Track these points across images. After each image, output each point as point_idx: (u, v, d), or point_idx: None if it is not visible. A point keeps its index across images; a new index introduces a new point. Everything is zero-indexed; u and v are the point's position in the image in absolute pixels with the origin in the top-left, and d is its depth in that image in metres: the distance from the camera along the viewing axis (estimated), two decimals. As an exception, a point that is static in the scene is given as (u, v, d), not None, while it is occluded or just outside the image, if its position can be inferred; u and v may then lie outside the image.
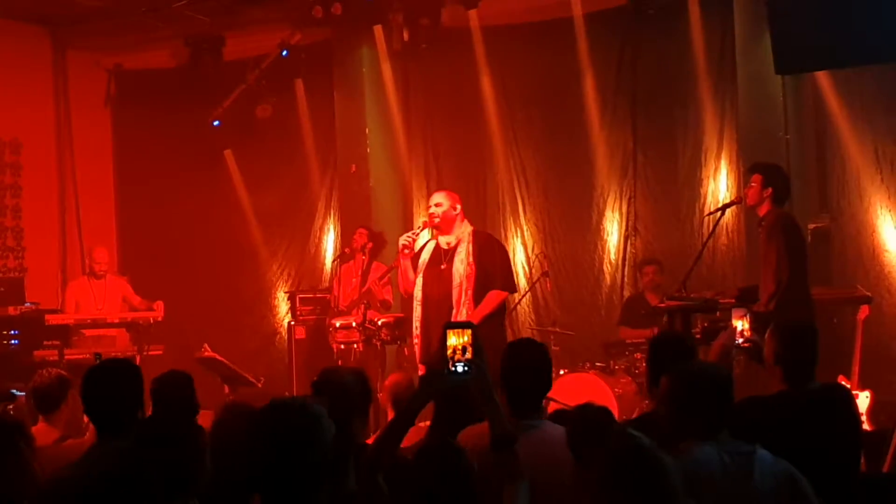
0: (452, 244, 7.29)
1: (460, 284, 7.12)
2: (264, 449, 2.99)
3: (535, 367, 4.22)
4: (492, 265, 7.21)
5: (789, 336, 4.67)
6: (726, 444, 3.75)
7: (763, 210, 7.06)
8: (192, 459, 3.38)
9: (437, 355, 3.54)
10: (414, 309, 7.44)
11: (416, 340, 7.39)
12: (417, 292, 7.32)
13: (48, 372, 5.33)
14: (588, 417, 3.91)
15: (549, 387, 4.28)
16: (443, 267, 7.24)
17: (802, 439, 4.14)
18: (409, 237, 7.43)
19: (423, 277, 7.30)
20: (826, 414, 4.46)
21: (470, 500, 3.25)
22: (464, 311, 7.06)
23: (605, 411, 4.09)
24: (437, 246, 7.39)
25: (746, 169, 7.51)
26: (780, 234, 6.89)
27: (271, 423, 3.02)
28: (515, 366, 4.20)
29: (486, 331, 6.76)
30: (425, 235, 7.70)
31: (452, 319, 6.94)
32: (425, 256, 7.40)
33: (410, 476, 3.28)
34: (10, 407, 5.34)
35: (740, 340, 5.34)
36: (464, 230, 7.33)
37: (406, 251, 7.37)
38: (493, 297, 7.16)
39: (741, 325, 5.38)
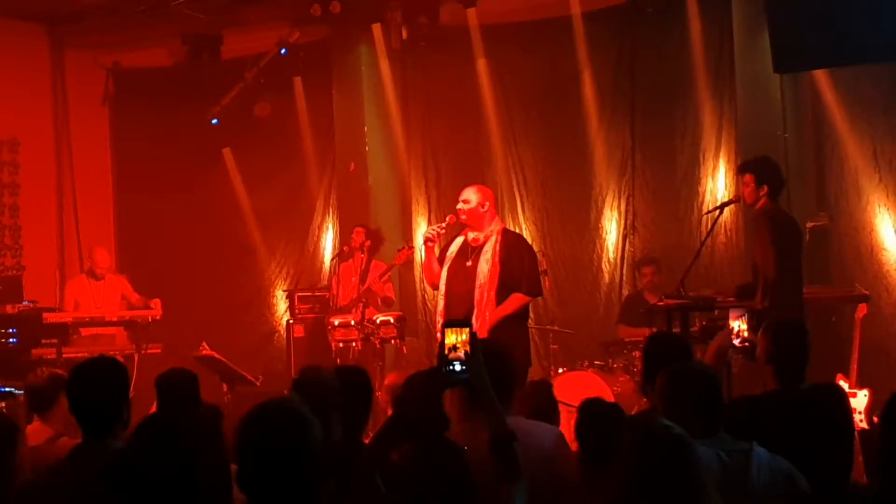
0: (480, 241, 7.17)
1: (483, 284, 7.02)
2: (249, 456, 2.98)
3: (499, 366, 4.24)
4: (517, 267, 7.09)
5: (780, 335, 4.67)
6: (723, 442, 3.77)
7: (759, 205, 7.07)
8: (192, 456, 3.36)
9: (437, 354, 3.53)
10: (437, 302, 7.39)
11: (438, 335, 7.32)
12: (441, 286, 7.22)
13: (41, 371, 5.33)
14: (597, 412, 3.92)
15: (516, 383, 4.27)
16: (468, 263, 7.13)
17: (793, 439, 4.14)
18: (433, 230, 7.37)
19: (448, 271, 7.20)
20: (817, 414, 4.45)
21: (467, 499, 3.25)
22: (485, 311, 6.97)
23: (614, 406, 4.10)
24: (466, 241, 7.29)
25: (737, 168, 7.49)
26: (767, 230, 6.88)
27: (254, 429, 3.01)
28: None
29: (507, 331, 6.76)
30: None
31: (473, 319, 6.88)
32: (453, 249, 7.29)
33: (407, 475, 3.27)
34: (2, 405, 5.33)
35: (737, 341, 5.34)
36: (493, 228, 7.21)
37: (430, 244, 7.31)
38: (515, 300, 7.03)
39: (738, 325, 5.37)
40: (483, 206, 7.20)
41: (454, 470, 3.27)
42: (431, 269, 7.34)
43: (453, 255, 7.25)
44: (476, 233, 7.19)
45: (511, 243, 7.20)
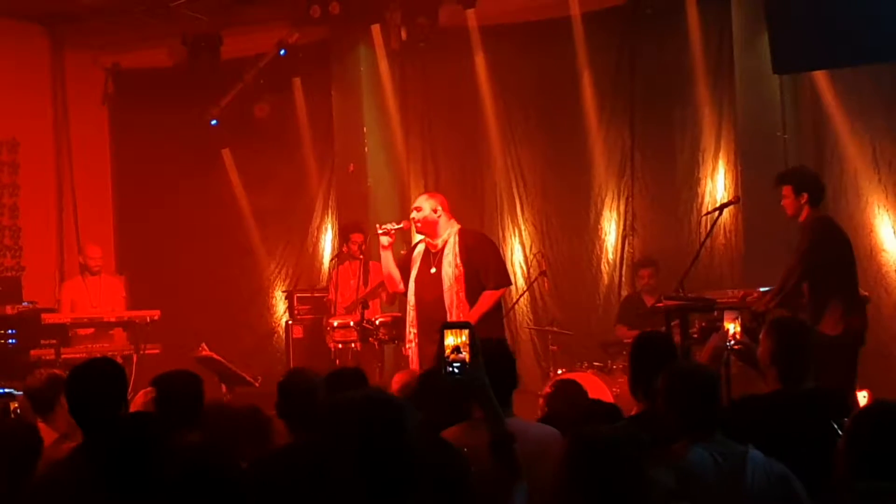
0: (439, 247, 7.24)
1: (451, 288, 7.06)
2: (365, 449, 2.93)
3: (497, 365, 4.25)
4: (481, 264, 7.14)
5: (784, 336, 4.66)
6: (719, 444, 3.76)
7: (803, 216, 7.04)
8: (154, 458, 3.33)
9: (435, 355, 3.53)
10: (407, 313, 7.41)
11: (408, 344, 7.34)
12: (410, 297, 7.28)
13: (39, 373, 5.32)
14: (595, 414, 3.91)
15: (515, 383, 4.28)
16: (433, 271, 7.20)
17: (795, 439, 4.14)
18: (388, 226, 7.39)
19: (416, 281, 7.25)
20: (820, 415, 4.45)
21: (466, 499, 3.25)
22: (458, 314, 6.99)
23: (613, 407, 4.09)
24: (427, 249, 7.34)
25: (775, 183, 7.46)
26: (807, 240, 6.90)
27: (371, 421, 2.97)
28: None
29: (485, 330, 6.77)
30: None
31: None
32: (416, 259, 7.34)
33: None
34: (16, 406, 5.31)
35: (731, 343, 5.33)
36: (450, 230, 7.25)
37: (384, 240, 7.31)
38: (487, 298, 7.10)
39: (733, 327, 5.37)
40: (435, 212, 7.23)
41: (453, 470, 3.27)
42: (388, 268, 7.40)
43: (418, 264, 7.28)
44: (433, 240, 7.23)
45: (470, 242, 7.24)
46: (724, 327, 5.42)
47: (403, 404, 2.97)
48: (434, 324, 6.87)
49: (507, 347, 4.36)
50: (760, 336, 4.77)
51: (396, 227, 7.46)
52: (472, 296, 7.07)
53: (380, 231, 7.39)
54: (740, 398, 4.72)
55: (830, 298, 6.85)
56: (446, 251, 7.16)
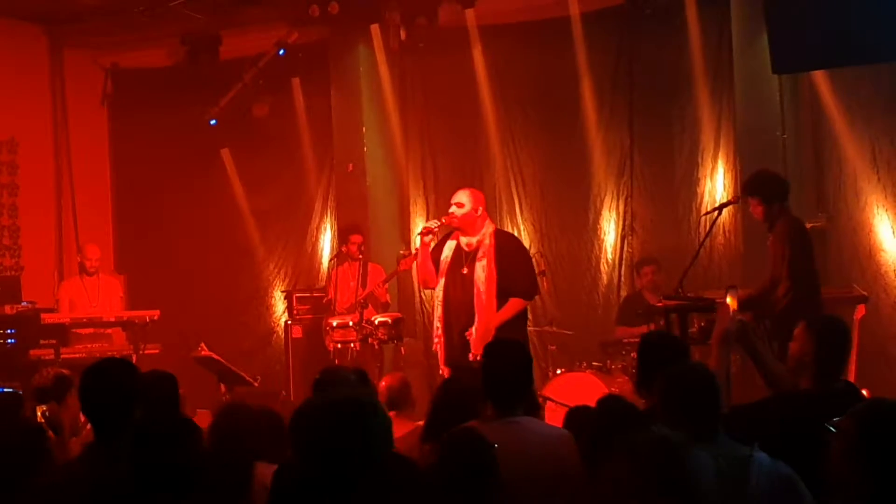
0: (473, 245, 7.20)
1: (482, 292, 7.04)
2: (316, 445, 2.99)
3: (514, 365, 4.31)
4: (513, 271, 7.12)
5: (826, 335, 4.61)
6: (723, 447, 3.73)
7: (779, 221, 7.11)
8: (189, 459, 3.37)
9: None
10: (435, 308, 7.44)
11: (436, 339, 7.36)
12: (439, 292, 7.27)
13: (47, 372, 5.36)
14: (613, 410, 3.91)
15: (530, 382, 4.33)
16: (464, 271, 7.16)
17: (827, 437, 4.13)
18: (433, 223, 7.41)
19: (446, 279, 7.22)
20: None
21: (492, 492, 3.30)
22: (484, 316, 7.02)
23: (631, 405, 4.09)
24: (458, 246, 7.29)
25: (741, 195, 7.51)
26: (790, 242, 6.91)
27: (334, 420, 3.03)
28: (495, 364, 4.30)
29: (508, 333, 6.80)
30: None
31: (474, 326, 7.00)
32: (447, 255, 7.29)
33: (437, 467, 3.32)
34: (45, 409, 5.34)
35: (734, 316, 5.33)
36: (485, 231, 7.22)
37: (427, 238, 7.27)
38: (513, 305, 7.09)
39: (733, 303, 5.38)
40: (477, 211, 7.22)
41: (482, 464, 3.33)
42: (426, 266, 7.34)
43: (448, 260, 7.26)
44: (469, 237, 7.19)
45: (504, 246, 7.21)
46: (726, 303, 5.41)
47: (370, 408, 3.05)
48: (460, 322, 6.96)
49: (522, 349, 4.42)
50: (796, 333, 4.72)
51: (438, 224, 7.42)
52: (500, 300, 7.07)
53: (424, 228, 7.35)
54: (774, 396, 4.71)
55: (813, 298, 6.90)
56: (480, 253, 7.13)
